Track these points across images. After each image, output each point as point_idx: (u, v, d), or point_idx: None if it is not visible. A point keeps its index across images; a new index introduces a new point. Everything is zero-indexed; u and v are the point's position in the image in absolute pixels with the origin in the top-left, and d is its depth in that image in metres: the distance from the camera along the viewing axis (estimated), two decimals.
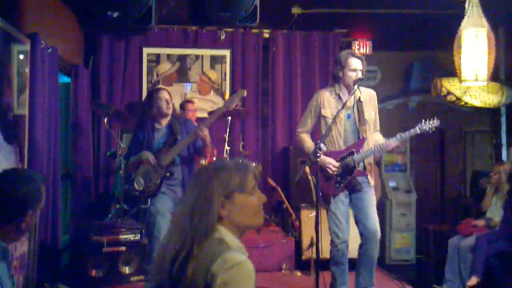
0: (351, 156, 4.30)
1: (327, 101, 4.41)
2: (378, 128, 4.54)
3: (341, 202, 4.34)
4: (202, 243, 1.79)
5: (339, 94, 4.39)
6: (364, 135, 4.33)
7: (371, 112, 4.43)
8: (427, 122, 4.24)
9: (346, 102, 4.30)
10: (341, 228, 4.30)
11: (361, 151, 4.29)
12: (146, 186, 4.59)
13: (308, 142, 4.50)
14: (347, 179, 4.32)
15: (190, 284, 1.74)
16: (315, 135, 4.67)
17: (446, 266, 5.73)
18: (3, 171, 2.43)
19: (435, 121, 4.23)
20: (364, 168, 4.37)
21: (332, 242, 4.34)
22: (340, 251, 4.29)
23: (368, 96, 4.45)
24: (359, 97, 4.38)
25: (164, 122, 4.72)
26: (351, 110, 4.38)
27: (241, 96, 4.66)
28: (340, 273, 4.34)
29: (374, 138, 4.43)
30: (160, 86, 6.68)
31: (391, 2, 6.07)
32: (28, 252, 4.23)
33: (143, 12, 3.99)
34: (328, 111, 4.37)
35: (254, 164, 6.02)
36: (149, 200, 4.73)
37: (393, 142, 4.25)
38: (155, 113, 4.68)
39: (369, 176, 4.38)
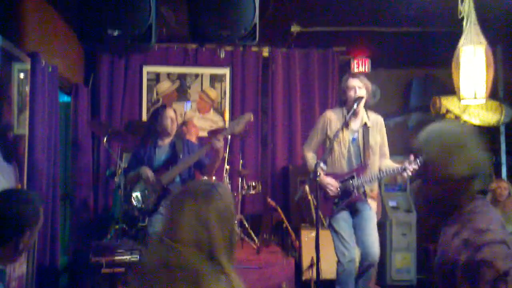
0: (351, 180, 4.30)
1: (334, 123, 4.42)
2: (387, 154, 4.52)
3: (344, 221, 4.34)
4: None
5: (345, 117, 4.40)
6: (368, 160, 4.33)
7: (377, 137, 4.43)
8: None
9: (346, 121, 4.31)
10: (347, 246, 4.28)
11: (361, 176, 4.29)
12: (144, 203, 4.56)
13: (310, 160, 4.50)
14: (345, 202, 4.33)
15: None
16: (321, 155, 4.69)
17: None
18: (1, 192, 2.41)
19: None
20: (364, 193, 4.36)
21: (338, 261, 4.32)
22: (347, 270, 4.27)
23: (375, 121, 4.47)
24: (365, 122, 4.39)
25: (167, 140, 4.72)
26: (356, 134, 4.39)
27: (247, 120, 4.57)
28: None
29: (385, 164, 4.42)
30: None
31: (390, 21, 6.11)
32: (26, 273, 4.18)
33: (143, 31, 3.99)
34: (334, 134, 4.38)
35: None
36: (146, 218, 4.69)
37: (410, 167, 4.10)
38: (159, 131, 4.68)
39: (369, 201, 4.38)
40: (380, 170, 4.38)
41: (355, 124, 4.42)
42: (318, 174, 3.95)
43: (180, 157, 4.58)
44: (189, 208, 1.81)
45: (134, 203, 4.59)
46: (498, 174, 7.34)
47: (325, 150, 4.46)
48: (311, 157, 4.53)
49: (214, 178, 6.09)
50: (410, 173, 4.13)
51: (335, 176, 4.34)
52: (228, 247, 1.83)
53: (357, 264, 4.41)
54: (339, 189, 4.31)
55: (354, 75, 4.51)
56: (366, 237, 4.30)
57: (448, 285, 1.92)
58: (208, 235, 1.77)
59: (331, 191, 4.29)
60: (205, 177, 5.22)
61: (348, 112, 4.38)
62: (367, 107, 4.50)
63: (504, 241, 1.83)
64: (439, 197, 2.03)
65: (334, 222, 4.35)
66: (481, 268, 1.77)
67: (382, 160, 4.46)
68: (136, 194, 4.59)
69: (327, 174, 4.24)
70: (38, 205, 2.33)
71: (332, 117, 4.48)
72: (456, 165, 1.95)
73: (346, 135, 4.37)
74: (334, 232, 4.34)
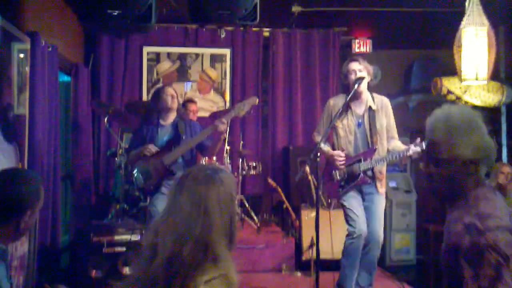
0: (358, 164, 4.31)
1: (337, 109, 4.40)
2: (395, 135, 4.51)
3: (354, 198, 4.37)
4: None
5: (346, 98, 4.39)
6: (376, 145, 4.33)
7: (383, 120, 4.42)
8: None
9: (347, 102, 4.29)
10: (358, 220, 4.30)
11: (368, 160, 4.29)
12: (145, 183, 4.57)
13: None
14: (350, 185, 4.35)
15: None
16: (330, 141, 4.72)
17: None
18: (1, 171, 2.42)
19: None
20: (373, 176, 4.37)
21: (348, 234, 4.35)
22: (354, 243, 4.29)
23: (380, 103, 4.45)
24: (370, 106, 4.38)
25: (170, 119, 4.71)
26: (362, 119, 4.38)
27: (252, 104, 4.57)
28: (349, 265, 4.35)
29: (393, 146, 4.42)
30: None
31: (392, 1, 6.06)
32: (28, 252, 4.21)
33: (143, 11, 3.98)
34: (338, 120, 4.37)
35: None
36: (148, 198, 4.71)
37: (415, 148, 4.12)
38: (160, 109, 4.68)
39: (378, 184, 4.40)
40: (387, 152, 4.38)
41: (360, 109, 4.40)
42: (319, 154, 3.96)
43: (182, 138, 4.58)
44: (189, 191, 1.81)
45: (135, 182, 4.60)
46: (498, 155, 7.35)
47: (332, 139, 4.49)
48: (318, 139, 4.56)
49: (214, 159, 6.11)
50: (416, 156, 4.14)
51: None
52: (227, 234, 1.81)
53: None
54: (345, 172, 4.34)
55: (354, 59, 4.48)
56: (372, 221, 4.34)
57: (451, 270, 1.93)
58: (206, 220, 1.76)
59: (339, 161, 4.30)
60: (206, 158, 5.24)
61: (352, 96, 4.34)
62: (370, 89, 4.48)
63: (509, 229, 1.84)
64: (444, 179, 2.03)
65: (344, 200, 4.39)
66: (484, 253, 1.78)
67: (390, 141, 4.45)
68: (138, 173, 4.60)
69: None
70: (38, 184, 2.34)
71: (336, 103, 4.47)
72: (462, 146, 1.96)
73: (351, 121, 4.36)
74: (346, 208, 4.37)
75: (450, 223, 1.99)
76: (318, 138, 4.53)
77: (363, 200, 4.41)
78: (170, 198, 1.88)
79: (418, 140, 4.13)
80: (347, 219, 4.38)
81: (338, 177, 4.38)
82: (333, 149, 4.40)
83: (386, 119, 4.45)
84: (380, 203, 4.40)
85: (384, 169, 4.48)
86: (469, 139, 1.96)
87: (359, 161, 4.32)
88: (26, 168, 4.14)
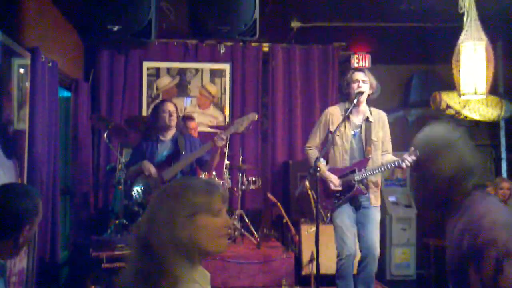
0: (352, 174, 4.31)
1: (336, 118, 4.42)
2: (390, 150, 4.54)
3: (347, 216, 4.36)
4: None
5: (346, 110, 4.40)
6: (369, 155, 4.34)
7: (379, 132, 4.44)
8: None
9: (347, 114, 4.31)
10: (347, 241, 4.30)
11: (363, 170, 4.30)
12: (145, 198, 4.57)
13: (313, 156, 4.51)
14: (346, 197, 4.35)
15: None
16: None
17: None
18: None
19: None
20: (367, 187, 4.38)
21: (338, 255, 4.34)
22: (345, 264, 4.29)
23: (377, 117, 4.48)
24: (368, 117, 4.40)
25: (169, 135, 4.72)
26: (359, 129, 4.40)
27: (251, 120, 4.60)
28: (345, 287, 4.33)
29: (386, 159, 4.44)
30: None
31: (390, 16, 6.10)
32: (27, 267, 4.20)
33: (143, 26, 4.00)
34: (336, 129, 4.38)
35: (223, 186, 5.97)
36: None
37: (409, 158, 4.15)
38: (158, 126, 4.69)
39: (372, 196, 4.40)
40: (381, 164, 4.40)
41: (357, 119, 4.43)
42: (318, 169, 3.97)
43: (182, 153, 4.58)
44: (164, 205, 1.75)
45: (135, 197, 4.60)
46: (498, 169, 7.35)
47: (326, 145, 4.46)
48: (313, 153, 4.54)
49: (214, 173, 6.11)
50: (408, 164, 4.18)
51: (336, 170, 4.36)
52: (186, 251, 1.71)
53: (357, 260, 4.43)
54: (340, 183, 4.33)
55: (359, 69, 4.52)
56: (368, 234, 4.33)
57: (458, 275, 1.99)
58: (160, 234, 1.69)
59: (332, 184, 4.31)
60: (206, 174, 5.23)
61: (350, 106, 4.38)
62: (369, 102, 4.50)
63: (506, 223, 1.90)
64: (432, 192, 2.18)
65: (337, 217, 4.38)
66: (484, 247, 1.85)
67: (384, 156, 4.48)
68: (137, 189, 4.60)
69: (329, 169, 4.26)
70: (36, 198, 2.33)
71: (335, 112, 4.49)
72: (443, 163, 2.11)
73: (348, 130, 4.38)
74: (336, 226, 4.36)
75: (449, 234, 2.09)
76: (311, 151, 4.54)
77: (357, 212, 4.39)
78: (148, 213, 1.79)
79: (412, 149, 4.13)
80: (337, 239, 4.37)
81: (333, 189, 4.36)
82: (321, 153, 4.29)
83: (383, 133, 4.47)
84: (375, 217, 4.40)
85: (379, 180, 4.49)
86: (448, 158, 2.11)
87: (353, 171, 4.32)
88: (24, 183, 4.14)
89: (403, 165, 4.19)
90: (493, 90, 5.69)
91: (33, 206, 2.29)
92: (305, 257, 5.65)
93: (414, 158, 4.05)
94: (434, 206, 2.29)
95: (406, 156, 4.20)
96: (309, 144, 4.63)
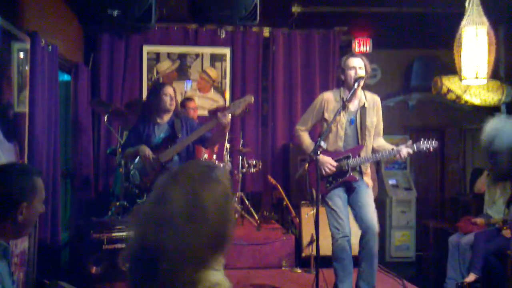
0: (346, 160, 4.32)
1: (331, 104, 4.40)
2: (380, 133, 4.54)
3: (339, 198, 4.36)
4: None
5: (343, 98, 4.38)
6: (364, 141, 4.35)
7: (373, 117, 4.43)
8: (425, 142, 4.27)
9: (345, 102, 4.30)
10: (341, 223, 4.31)
11: (357, 157, 4.31)
12: (141, 180, 4.59)
13: (306, 140, 4.52)
14: (338, 181, 4.35)
15: None
16: (317, 136, 4.69)
17: (448, 264, 5.75)
18: None
19: (433, 142, 4.27)
20: (360, 172, 4.40)
21: (332, 237, 4.36)
22: (340, 246, 4.29)
23: (371, 101, 4.46)
24: (364, 103, 4.39)
25: (166, 117, 4.71)
26: (354, 116, 4.39)
27: (248, 103, 4.59)
28: (341, 268, 4.34)
29: (378, 143, 4.45)
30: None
31: (391, 1, 6.08)
32: (28, 249, 4.24)
33: (143, 11, 4.00)
34: (331, 115, 4.36)
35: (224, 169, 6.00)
36: (145, 195, 4.72)
37: (404, 150, 4.24)
38: (157, 108, 4.68)
39: (365, 178, 4.42)
40: (375, 151, 4.41)
41: (353, 105, 4.41)
42: (319, 152, 3.98)
43: (179, 137, 4.58)
44: (183, 187, 1.62)
45: (132, 179, 4.63)
46: None
47: (321, 132, 4.46)
48: (307, 137, 4.54)
49: (214, 157, 6.13)
50: (404, 157, 4.25)
51: (331, 155, 4.35)
52: (221, 237, 1.64)
53: (355, 241, 4.44)
54: (335, 168, 4.34)
55: (355, 55, 4.50)
56: (364, 211, 4.31)
57: None
58: (201, 217, 1.58)
59: (328, 169, 4.32)
60: (206, 156, 5.24)
61: (347, 92, 4.36)
62: (364, 87, 4.49)
63: None
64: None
65: (329, 199, 4.38)
66: None
67: (375, 139, 4.48)
68: (134, 170, 4.62)
69: (323, 153, 4.25)
70: (33, 176, 2.30)
71: (330, 98, 4.46)
72: None
73: (344, 117, 4.36)
74: (329, 208, 4.37)
75: None
76: (303, 134, 4.55)
77: (351, 193, 4.41)
78: (158, 189, 1.66)
79: (410, 142, 4.28)
80: (331, 221, 4.36)
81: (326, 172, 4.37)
82: (321, 137, 4.21)
83: (376, 117, 4.47)
84: (369, 193, 4.39)
85: (369, 165, 4.53)
86: None
87: (348, 157, 4.33)
88: (22, 162, 4.14)
89: (398, 156, 4.26)
90: (494, 74, 5.69)
91: (29, 183, 2.26)
92: (305, 239, 5.69)
93: (410, 151, 4.21)
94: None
95: (402, 147, 4.24)
96: (300, 126, 4.61)
